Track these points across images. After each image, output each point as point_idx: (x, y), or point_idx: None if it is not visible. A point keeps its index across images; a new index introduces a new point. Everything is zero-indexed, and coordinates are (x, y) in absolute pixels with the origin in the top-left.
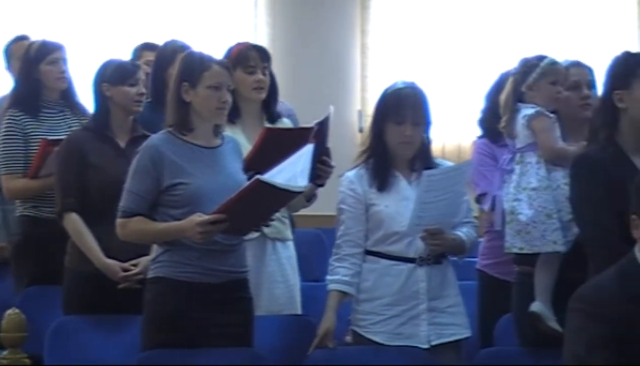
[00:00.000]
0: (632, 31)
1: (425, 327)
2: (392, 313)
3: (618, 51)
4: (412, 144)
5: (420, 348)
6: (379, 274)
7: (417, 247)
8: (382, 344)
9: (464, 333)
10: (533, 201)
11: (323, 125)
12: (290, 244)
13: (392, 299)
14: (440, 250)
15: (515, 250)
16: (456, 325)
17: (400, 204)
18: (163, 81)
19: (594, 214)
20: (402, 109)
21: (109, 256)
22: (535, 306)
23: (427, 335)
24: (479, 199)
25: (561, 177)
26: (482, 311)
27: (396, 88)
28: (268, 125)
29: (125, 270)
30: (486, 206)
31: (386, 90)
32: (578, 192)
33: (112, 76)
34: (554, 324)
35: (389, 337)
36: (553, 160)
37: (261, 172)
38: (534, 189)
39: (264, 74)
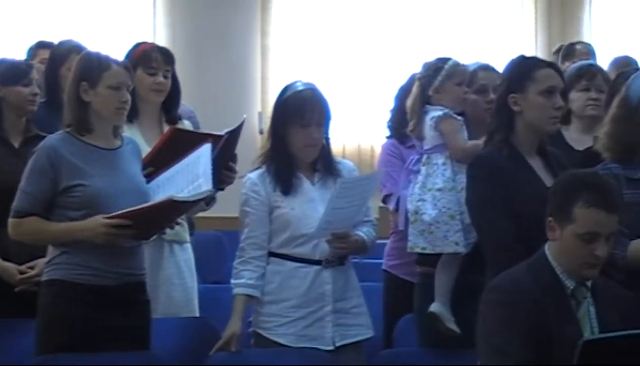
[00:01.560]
0: (529, 34)
1: (330, 329)
2: (298, 315)
3: (515, 54)
4: (317, 146)
5: (325, 349)
6: (284, 276)
7: (323, 249)
8: (287, 346)
9: (367, 333)
10: (437, 201)
11: (235, 133)
12: (188, 246)
13: (298, 301)
14: (345, 252)
15: (418, 250)
16: (360, 326)
17: (306, 206)
18: (57, 80)
19: (490, 215)
20: (307, 111)
21: (4, 259)
22: (434, 307)
23: (332, 337)
24: (386, 199)
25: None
26: (388, 311)
27: (296, 90)
28: (177, 126)
29: (22, 273)
30: (391, 206)
31: (284, 92)
32: (474, 193)
33: (4, 76)
34: (452, 325)
35: (295, 339)
36: (464, 160)
37: (159, 172)
38: (439, 190)
39: (165, 77)
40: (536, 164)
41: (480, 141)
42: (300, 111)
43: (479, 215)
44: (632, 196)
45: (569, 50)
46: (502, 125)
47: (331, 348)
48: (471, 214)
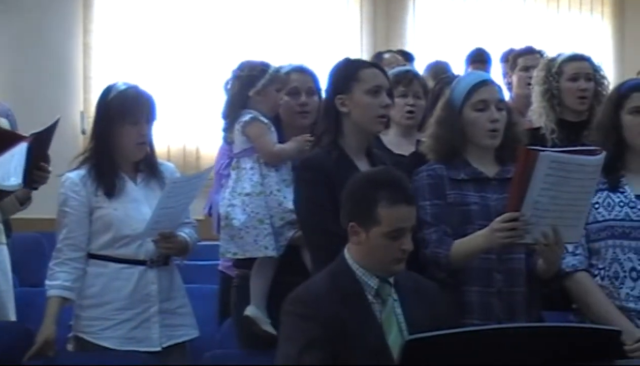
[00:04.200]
0: (355, 38)
1: (157, 330)
2: (124, 317)
3: (340, 57)
4: (146, 143)
5: (151, 351)
6: (107, 278)
7: (147, 249)
8: (113, 349)
9: (192, 333)
10: (246, 206)
11: (47, 132)
12: (3, 248)
13: (123, 303)
14: (171, 253)
15: (229, 255)
16: (185, 326)
17: (130, 206)
18: None
19: (317, 217)
20: (137, 110)
21: None
22: (249, 310)
23: (159, 338)
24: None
25: (274, 184)
26: (223, 312)
27: (121, 90)
28: None
29: None
30: (205, 210)
31: (108, 93)
32: (303, 196)
33: None
34: (268, 327)
35: (121, 342)
36: (273, 162)
37: None
38: (247, 194)
39: None
40: (363, 166)
41: (287, 145)
42: (131, 110)
43: (307, 218)
44: (456, 197)
45: (377, 59)
46: (329, 127)
47: (158, 349)
48: (299, 217)
